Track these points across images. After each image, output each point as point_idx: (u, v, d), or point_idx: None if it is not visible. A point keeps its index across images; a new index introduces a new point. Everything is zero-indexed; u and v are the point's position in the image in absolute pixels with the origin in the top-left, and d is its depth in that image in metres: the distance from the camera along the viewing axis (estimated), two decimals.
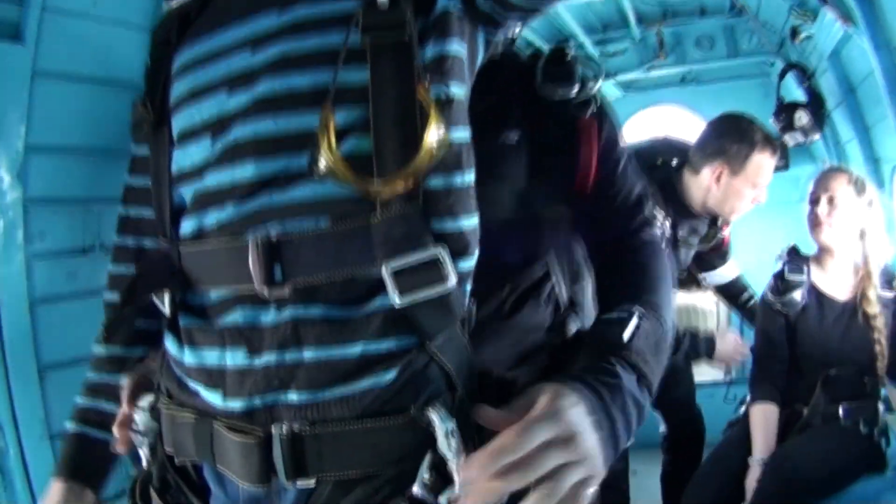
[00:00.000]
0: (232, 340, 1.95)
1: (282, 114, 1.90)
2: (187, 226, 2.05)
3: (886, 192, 8.20)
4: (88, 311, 5.15)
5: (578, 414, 1.84)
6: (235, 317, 1.96)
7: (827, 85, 8.90)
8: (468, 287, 2.03)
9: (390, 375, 1.86)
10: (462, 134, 1.98)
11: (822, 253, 5.74)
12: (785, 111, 8.47)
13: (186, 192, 2.08)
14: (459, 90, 1.98)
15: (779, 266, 5.83)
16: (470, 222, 1.98)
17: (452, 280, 1.87)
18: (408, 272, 1.83)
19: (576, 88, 2.53)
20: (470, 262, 2.00)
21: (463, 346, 1.99)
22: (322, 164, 1.78)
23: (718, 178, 5.62)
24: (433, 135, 1.79)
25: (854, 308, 5.51)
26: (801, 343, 5.62)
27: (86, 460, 2.57)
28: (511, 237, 2.55)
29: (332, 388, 1.86)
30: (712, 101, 10.65)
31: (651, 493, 7.26)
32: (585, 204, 2.69)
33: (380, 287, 1.85)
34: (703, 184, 5.71)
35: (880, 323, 5.45)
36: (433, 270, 1.85)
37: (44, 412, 4.87)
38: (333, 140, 1.78)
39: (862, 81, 7.91)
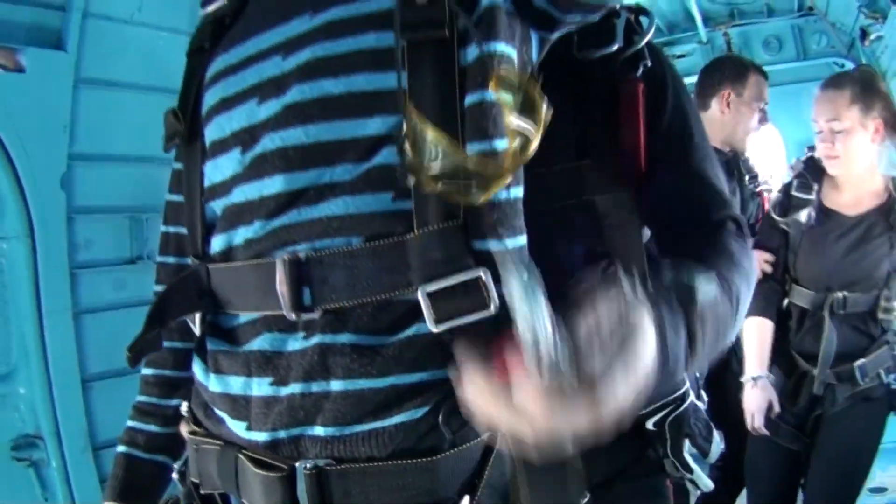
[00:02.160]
0: (258, 368, 1.80)
1: (312, 122, 1.74)
2: (217, 243, 1.91)
3: None
4: (136, 321, 5.15)
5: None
6: (262, 342, 1.84)
7: None
8: None
9: (423, 411, 1.69)
10: (504, 143, 1.77)
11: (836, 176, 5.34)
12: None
13: (217, 207, 1.97)
14: None
15: (789, 177, 5.65)
16: (516, 242, 1.78)
17: (495, 304, 1.65)
18: (446, 296, 1.64)
19: (617, 45, 2.20)
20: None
21: None
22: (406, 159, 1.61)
23: (728, 104, 6.06)
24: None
25: (867, 226, 5.14)
26: (801, 265, 5.31)
27: (135, 482, 2.49)
28: (562, 232, 2.21)
29: (361, 422, 1.72)
30: (781, 103, 10.40)
31: None
32: (646, 188, 2.26)
33: (415, 312, 1.67)
34: (715, 116, 6.06)
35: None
36: (474, 295, 1.65)
37: (87, 424, 4.84)
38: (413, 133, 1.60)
39: None
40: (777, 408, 5.04)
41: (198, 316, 1.97)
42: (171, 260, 2.27)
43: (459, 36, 1.69)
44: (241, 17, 2.00)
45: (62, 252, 4.88)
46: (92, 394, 4.97)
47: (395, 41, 1.66)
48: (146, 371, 2.35)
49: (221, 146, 1.88)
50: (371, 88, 1.69)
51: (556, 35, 1.90)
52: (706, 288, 1.79)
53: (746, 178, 6.18)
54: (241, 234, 1.81)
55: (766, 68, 10.28)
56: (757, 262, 5.50)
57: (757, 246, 5.18)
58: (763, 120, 6.17)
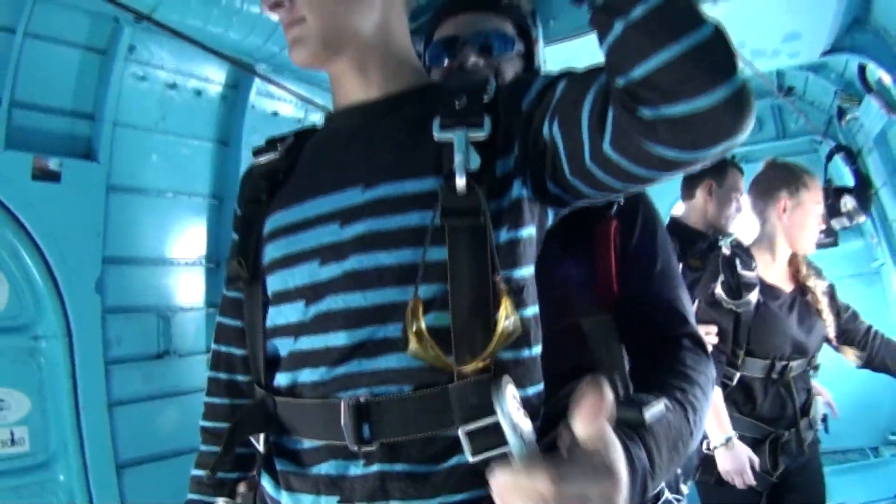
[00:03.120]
0: (326, 489, 2.06)
1: (370, 289, 2.02)
2: (282, 379, 2.16)
3: None
4: (163, 411, 5.41)
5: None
6: (328, 467, 2.07)
7: (874, 164, 9.03)
8: (535, 439, 2.12)
9: None
10: (532, 310, 2.09)
11: (765, 245, 5.72)
12: (831, 197, 8.52)
13: (281, 346, 2.19)
14: (529, 270, 2.10)
15: (726, 252, 5.74)
16: (535, 389, 2.09)
17: None
18: (480, 433, 1.91)
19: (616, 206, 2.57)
20: (535, 423, 2.08)
21: None
22: (411, 347, 1.93)
23: (710, 192, 6.95)
24: (506, 322, 1.90)
25: (801, 298, 5.68)
26: (757, 338, 5.58)
27: None
28: (554, 351, 2.33)
29: None
30: None
31: None
32: (615, 308, 2.67)
33: (456, 446, 1.95)
34: (699, 203, 7.01)
35: (825, 305, 5.70)
36: (502, 432, 1.89)
37: None
38: (423, 326, 1.90)
39: None
40: (756, 461, 5.33)
41: (262, 436, 2.27)
42: (222, 376, 2.58)
43: (492, 220, 1.99)
44: (293, 175, 2.33)
45: (97, 349, 5.15)
46: (125, 479, 5.21)
47: (431, 223, 1.97)
48: (196, 473, 2.64)
49: (285, 296, 2.17)
50: (417, 260, 1.98)
51: (567, 210, 2.21)
52: (653, 409, 2.18)
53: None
54: (307, 376, 2.08)
55: (746, 148, 10.61)
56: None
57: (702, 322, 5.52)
58: (739, 208, 6.91)
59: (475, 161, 1.99)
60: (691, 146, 1.66)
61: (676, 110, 1.60)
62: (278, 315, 2.19)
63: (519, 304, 2.01)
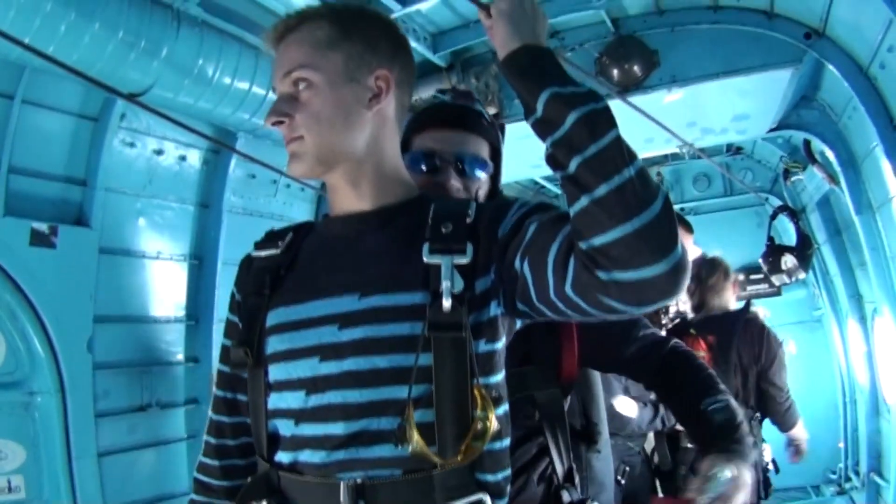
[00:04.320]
0: None
1: (366, 387, 2.27)
2: (284, 457, 2.38)
3: (868, 327, 8.73)
4: (146, 460, 5.68)
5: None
6: None
7: (816, 223, 9.40)
8: None
9: None
10: (503, 409, 2.36)
11: None
12: (773, 254, 8.85)
13: (282, 427, 2.41)
14: (502, 374, 2.38)
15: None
16: (504, 474, 2.37)
17: None
18: None
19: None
20: (504, 502, 2.37)
21: None
22: (410, 448, 2.16)
23: None
24: (483, 423, 2.19)
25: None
26: None
27: None
28: (512, 416, 2.72)
29: None
30: (709, 230, 10.91)
31: None
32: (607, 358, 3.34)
33: None
34: None
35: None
36: None
37: None
38: (416, 433, 2.16)
39: (846, 228, 8.50)
40: None
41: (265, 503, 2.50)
42: (213, 441, 2.76)
43: (472, 332, 2.29)
44: (293, 272, 2.57)
45: (88, 403, 5.41)
46: None
47: (422, 334, 2.25)
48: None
49: (287, 385, 2.42)
50: (408, 364, 2.24)
51: (532, 321, 2.47)
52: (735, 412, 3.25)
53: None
54: (308, 457, 2.34)
55: (696, 202, 10.89)
56: None
57: None
58: None
59: (459, 284, 2.25)
60: (636, 303, 2.01)
61: (626, 276, 1.94)
62: (280, 399, 2.41)
63: (495, 404, 2.31)
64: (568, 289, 2.06)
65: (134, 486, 5.51)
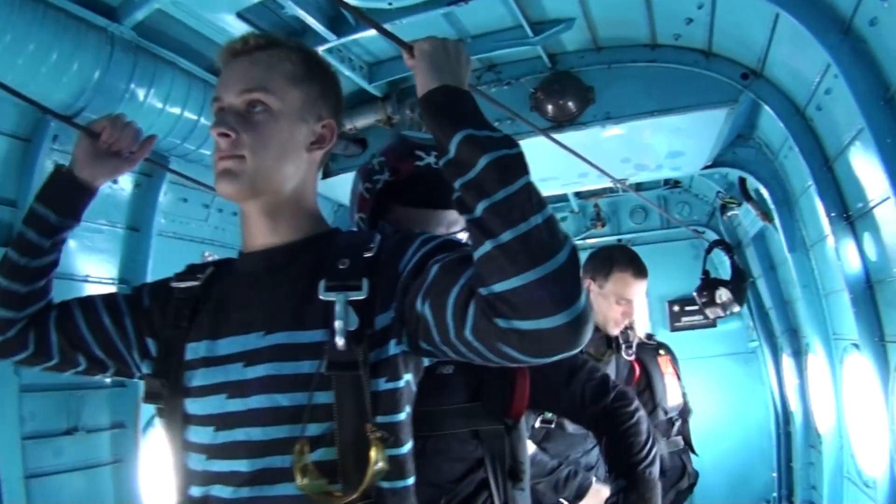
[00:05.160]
0: None
1: (269, 425, 2.29)
2: (196, 492, 2.41)
3: (802, 361, 8.84)
4: (75, 484, 5.62)
5: None
6: None
7: (752, 258, 9.51)
8: None
9: None
10: (407, 447, 2.40)
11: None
12: (708, 288, 8.83)
13: (193, 462, 2.43)
14: (406, 412, 2.40)
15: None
16: None
17: None
18: None
19: None
20: None
21: None
22: (298, 482, 2.18)
23: (588, 292, 6.23)
24: (376, 465, 2.18)
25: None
26: None
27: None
28: (450, 453, 2.98)
29: None
30: (647, 261, 10.94)
31: None
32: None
33: None
34: None
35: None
36: None
37: None
38: (309, 463, 2.20)
39: (781, 264, 8.61)
40: None
41: None
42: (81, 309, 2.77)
43: (372, 370, 2.30)
44: (210, 308, 2.58)
45: (15, 426, 5.29)
46: None
47: (317, 372, 2.27)
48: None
49: (198, 420, 2.44)
50: (308, 403, 2.27)
51: (440, 358, 2.45)
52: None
53: (623, 347, 6.66)
54: (218, 492, 2.35)
55: (634, 234, 10.96)
56: None
57: None
58: (627, 314, 6.40)
59: (353, 322, 2.26)
60: (535, 354, 2.00)
61: (525, 326, 1.93)
62: (194, 434, 2.44)
63: (396, 443, 2.33)
64: (468, 333, 2.06)
65: None
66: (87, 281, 5.94)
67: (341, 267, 2.36)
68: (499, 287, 1.94)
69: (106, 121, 2.86)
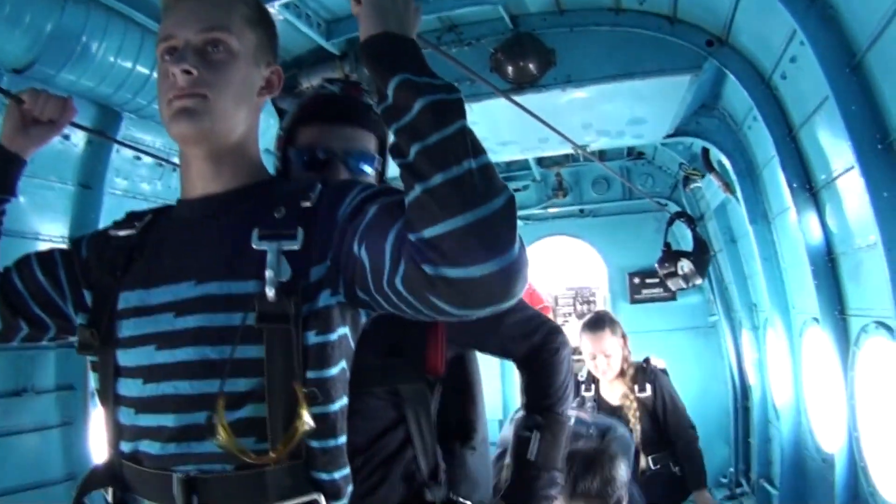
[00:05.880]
0: None
1: (196, 379, 2.25)
2: (126, 447, 2.36)
3: (760, 335, 8.79)
4: (23, 447, 5.51)
5: None
6: None
7: (713, 230, 9.47)
8: None
9: None
10: (339, 404, 2.35)
11: (603, 378, 7.58)
12: (669, 259, 8.84)
13: (123, 416, 2.37)
14: (339, 367, 2.34)
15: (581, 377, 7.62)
16: (342, 473, 2.36)
17: None
18: None
19: None
20: (342, 502, 2.36)
21: None
22: (219, 438, 2.13)
23: None
24: (302, 422, 2.14)
25: (620, 407, 7.44)
26: None
27: None
28: (368, 412, 2.89)
29: None
30: (608, 233, 11.29)
31: None
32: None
33: None
34: None
35: (635, 416, 7.40)
36: None
37: None
38: (222, 429, 2.14)
39: (742, 237, 8.54)
40: None
41: (110, 491, 2.45)
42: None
43: (303, 323, 2.24)
44: (144, 256, 2.49)
45: None
46: None
47: (242, 324, 2.21)
48: None
49: (128, 372, 2.37)
50: (239, 357, 2.22)
51: (378, 312, 2.39)
52: (534, 443, 3.39)
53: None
54: (146, 447, 2.31)
55: (595, 204, 10.93)
56: None
57: None
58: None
59: (286, 272, 2.23)
60: (463, 304, 1.95)
61: (453, 273, 1.88)
62: (123, 387, 2.38)
63: (326, 399, 2.28)
64: (398, 282, 2.03)
65: (7, 473, 5.31)
66: (37, 239, 5.79)
67: (276, 216, 2.32)
68: (428, 232, 1.90)
69: (27, 90, 2.83)
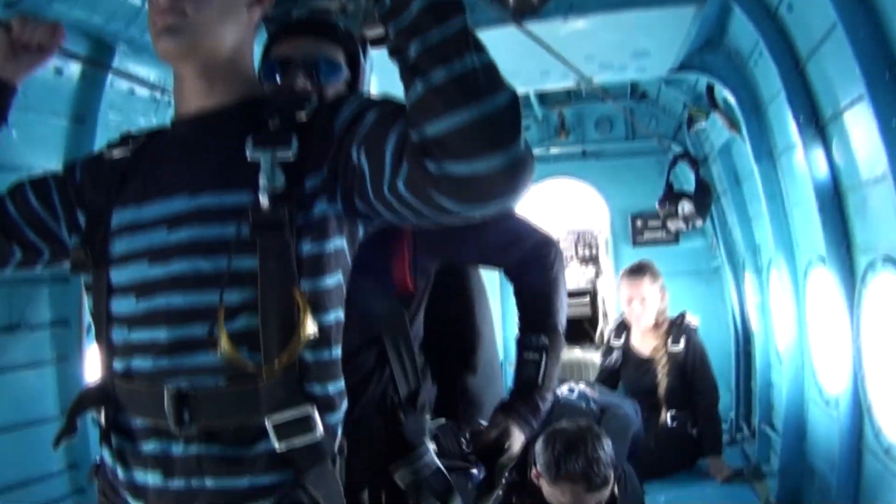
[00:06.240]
0: (152, 465, 2.36)
1: (189, 292, 2.28)
2: (118, 365, 2.42)
3: (764, 278, 8.72)
4: (15, 384, 5.44)
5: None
6: (153, 446, 2.36)
7: (717, 172, 9.35)
8: (339, 431, 2.45)
9: (270, 502, 2.31)
10: (334, 315, 2.38)
11: (636, 326, 8.26)
12: (670, 200, 8.86)
13: (117, 334, 2.42)
14: (335, 279, 2.37)
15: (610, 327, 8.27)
16: (336, 386, 2.40)
17: (320, 431, 2.29)
18: (285, 424, 2.25)
19: None
20: (337, 416, 2.41)
21: (332, 479, 2.39)
22: (219, 353, 2.19)
23: (538, 478, 5.66)
24: (306, 328, 2.19)
25: (650, 359, 8.12)
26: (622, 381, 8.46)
27: None
28: (352, 324, 2.70)
29: None
30: (610, 175, 11.13)
31: None
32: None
33: (264, 434, 2.27)
34: (534, 474, 5.87)
35: (664, 369, 8.03)
36: (305, 423, 2.27)
37: None
38: (224, 340, 2.19)
39: (747, 178, 8.41)
40: None
41: (103, 411, 2.50)
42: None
43: (298, 233, 2.26)
44: (138, 174, 2.52)
45: None
46: None
47: (238, 235, 2.24)
48: None
49: (121, 289, 2.41)
50: (233, 268, 2.23)
51: (377, 223, 2.43)
52: (542, 368, 3.46)
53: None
54: (138, 364, 2.36)
55: (598, 145, 10.84)
56: None
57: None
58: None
59: (280, 181, 2.23)
60: (468, 201, 1.94)
61: (457, 169, 1.87)
62: (117, 304, 2.43)
63: (320, 310, 2.31)
64: (401, 184, 2.04)
65: (1, 409, 5.25)
66: (32, 171, 5.71)
67: (272, 126, 2.31)
68: (431, 129, 1.88)
69: (15, 17, 2.80)
